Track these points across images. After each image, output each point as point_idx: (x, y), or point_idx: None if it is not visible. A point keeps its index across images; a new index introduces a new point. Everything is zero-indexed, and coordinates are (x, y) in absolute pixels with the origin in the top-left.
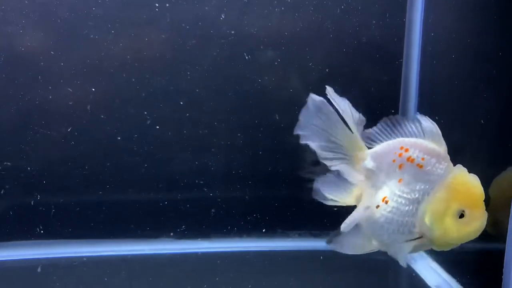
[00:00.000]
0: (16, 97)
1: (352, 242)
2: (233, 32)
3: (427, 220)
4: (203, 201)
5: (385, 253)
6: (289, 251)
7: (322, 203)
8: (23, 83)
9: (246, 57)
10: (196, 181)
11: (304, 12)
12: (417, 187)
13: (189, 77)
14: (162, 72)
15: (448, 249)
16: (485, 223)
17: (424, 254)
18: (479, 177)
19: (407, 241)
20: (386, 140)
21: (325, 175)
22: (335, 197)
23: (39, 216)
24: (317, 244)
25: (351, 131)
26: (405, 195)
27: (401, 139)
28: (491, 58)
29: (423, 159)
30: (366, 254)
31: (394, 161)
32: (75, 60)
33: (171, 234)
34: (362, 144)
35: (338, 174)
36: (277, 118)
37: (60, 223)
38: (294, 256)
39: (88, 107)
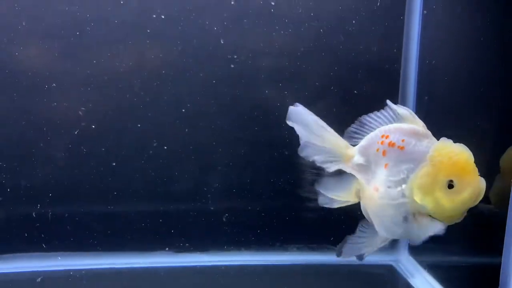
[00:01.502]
0: (18, 109)
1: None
2: (234, 50)
3: (415, 196)
4: (202, 215)
5: (382, 267)
6: (287, 265)
7: (320, 216)
8: (25, 96)
9: (247, 75)
10: (195, 195)
11: (304, 32)
12: (402, 168)
13: (191, 94)
14: (164, 88)
15: (454, 221)
16: (481, 187)
17: (421, 269)
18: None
19: (410, 222)
20: (367, 133)
21: (323, 178)
22: (337, 196)
23: (38, 229)
24: (316, 257)
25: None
26: (391, 178)
27: (381, 128)
28: (489, 73)
29: (403, 140)
30: (364, 267)
31: (377, 150)
32: (79, 74)
33: (166, 248)
34: (346, 143)
35: (335, 175)
36: (277, 134)
37: (58, 236)
38: (293, 270)
39: (90, 120)
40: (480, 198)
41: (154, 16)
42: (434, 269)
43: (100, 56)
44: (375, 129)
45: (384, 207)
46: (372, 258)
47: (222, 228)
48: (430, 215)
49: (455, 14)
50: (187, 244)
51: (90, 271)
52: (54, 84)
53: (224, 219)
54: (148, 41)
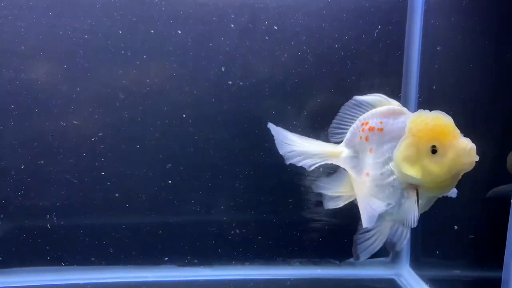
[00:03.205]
0: (28, 127)
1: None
2: (238, 76)
3: (403, 169)
4: (205, 229)
5: (384, 281)
6: (291, 279)
7: (323, 231)
8: (33, 115)
9: (254, 99)
10: (200, 210)
11: (306, 55)
12: (384, 148)
13: (196, 117)
14: (172, 109)
15: (448, 189)
16: (466, 146)
17: (422, 283)
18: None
19: (405, 200)
20: (349, 126)
21: (319, 179)
22: (337, 193)
23: (44, 243)
24: (318, 272)
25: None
26: (377, 160)
27: (360, 117)
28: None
29: (381, 122)
30: (366, 281)
31: (360, 138)
32: (86, 94)
33: (166, 258)
34: (331, 144)
35: (329, 174)
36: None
37: (65, 250)
38: (296, 284)
39: (98, 137)
40: (471, 158)
41: (159, 39)
42: (436, 283)
43: (107, 77)
44: (354, 121)
45: (376, 190)
46: (374, 272)
47: (227, 242)
48: (418, 190)
49: (456, 17)
50: (192, 259)
51: (96, 285)
52: (61, 104)
53: (228, 234)
54: (153, 64)
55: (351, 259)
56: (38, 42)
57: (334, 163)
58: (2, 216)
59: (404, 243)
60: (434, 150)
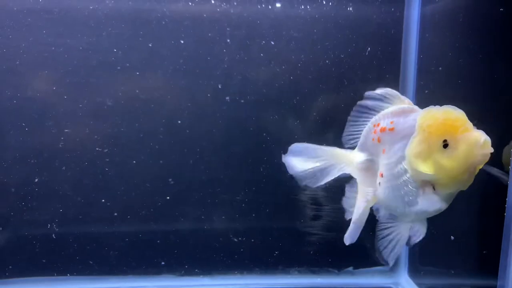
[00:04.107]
0: (27, 136)
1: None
2: (235, 92)
3: (416, 167)
4: (205, 238)
5: None
6: None
7: (321, 240)
8: (29, 129)
9: (249, 114)
10: (198, 219)
11: (304, 73)
12: (396, 147)
13: (194, 131)
14: (171, 123)
15: (465, 185)
16: (479, 137)
17: None
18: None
19: (422, 198)
20: (362, 130)
21: (344, 199)
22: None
23: (43, 253)
24: (317, 281)
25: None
26: (390, 160)
27: (372, 119)
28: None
29: (391, 122)
30: None
31: (373, 140)
32: (83, 107)
33: (162, 263)
34: (345, 150)
35: (350, 189)
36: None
37: (64, 260)
38: None
39: (96, 147)
40: (484, 149)
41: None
42: None
43: (105, 92)
44: (365, 123)
45: (391, 190)
46: (372, 281)
47: (226, 252)
48: (434, 187)
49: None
50: (192, 268)
51: None
52: (60, 119)
53: (227, 243)
54: (151, 79)
55: (350, 268)
56: (37, 59)
57: (347, 172)
58: (1, 228)
59: (420, 239)
60: (445, 145)
